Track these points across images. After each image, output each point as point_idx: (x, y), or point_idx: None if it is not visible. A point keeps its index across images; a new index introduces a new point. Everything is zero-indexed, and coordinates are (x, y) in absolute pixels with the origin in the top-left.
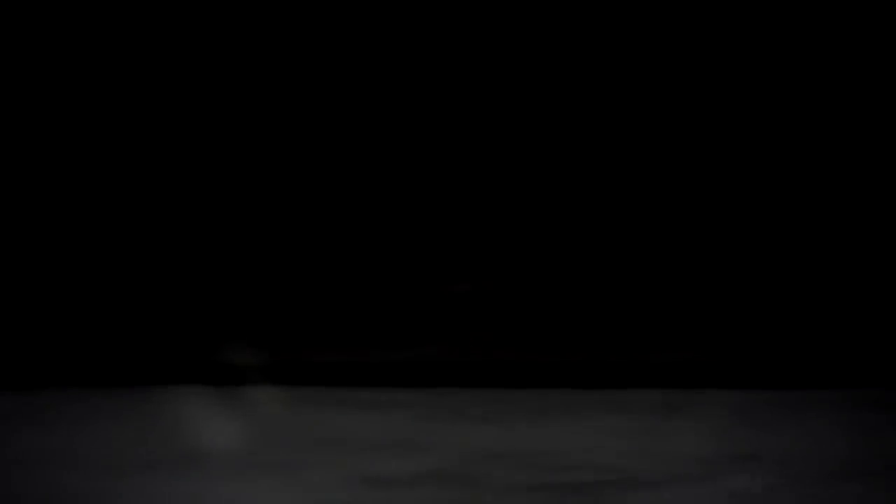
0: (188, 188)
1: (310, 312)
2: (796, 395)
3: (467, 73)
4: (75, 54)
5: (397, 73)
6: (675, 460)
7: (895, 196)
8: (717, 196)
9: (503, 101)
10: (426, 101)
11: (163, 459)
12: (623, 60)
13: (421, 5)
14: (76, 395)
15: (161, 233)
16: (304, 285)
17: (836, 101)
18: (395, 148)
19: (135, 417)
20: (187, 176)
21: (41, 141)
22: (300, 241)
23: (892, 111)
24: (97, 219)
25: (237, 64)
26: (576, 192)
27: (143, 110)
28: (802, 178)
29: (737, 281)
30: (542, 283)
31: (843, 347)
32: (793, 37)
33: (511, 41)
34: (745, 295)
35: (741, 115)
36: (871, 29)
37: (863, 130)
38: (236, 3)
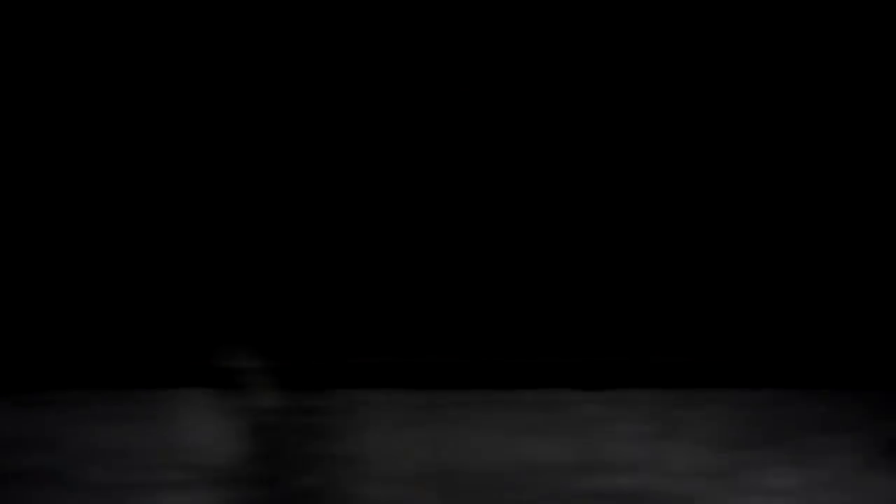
0: (189, 190)
1: (312, 315)
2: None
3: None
4: (75, 54)
5: (397, 72)
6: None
7: (895, 196)
8: (718, 198)
9: (503, 101)
10: (425, 101)
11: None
12: (623, 60)
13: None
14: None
15: (161, 235)
16: (305, 288)
17: (836, 102)
18: (395, 149)
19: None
20: (188, 178)
21: (41, 141)
22: (300, 245)
23: (892, 112)
24: (97, 220)
25: (237, 66)
26: (576, 196)
27: (144, 111)
28: (803, 180)
29: (736, 281)
30: (542, 283)
31: (843, 347)
32: (793, 37)
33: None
34: (744, 295)
35: (741, 118)
36: (872, 29)
37: (863, 131)
38: (236, 3)
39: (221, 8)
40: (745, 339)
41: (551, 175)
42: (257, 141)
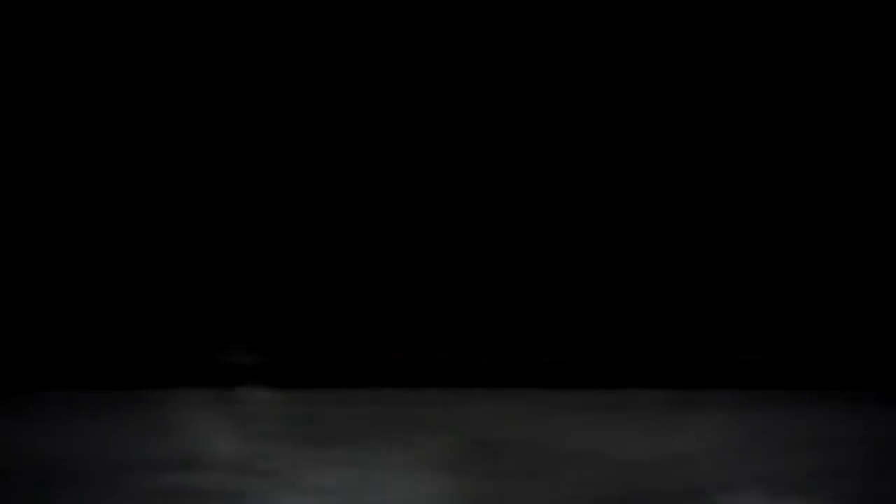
0: (188, 190)
1: (311, 314)
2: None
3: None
4: (75, 54)
5: (397, 73)
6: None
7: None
8: (719, 199)
9: (504, 101)
10: (426, 101)
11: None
12: (623, 60)
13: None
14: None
15: (161, 235)
16: (305, 288)
17: (836, 104)
18: (395, 150)
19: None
20: (188, 178)
21: (41, 142)
22: (300, 245)
23: (892, 112)
24: (97, 220)
25: (237, 66)
26: (578, 196)
27: (144, 112)
28: (803, 180)
29: (737, 282)
30: (543, 283)
31: (842, 347)
32: (793, 37)
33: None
34: (744, 295)
35: (742, 119)
36: (871, 29)
37: (863, 133)
38: (236, 3)
39: (221, 8)
40: (746, 339)
41: (553, 176)
42: (253, 143)
